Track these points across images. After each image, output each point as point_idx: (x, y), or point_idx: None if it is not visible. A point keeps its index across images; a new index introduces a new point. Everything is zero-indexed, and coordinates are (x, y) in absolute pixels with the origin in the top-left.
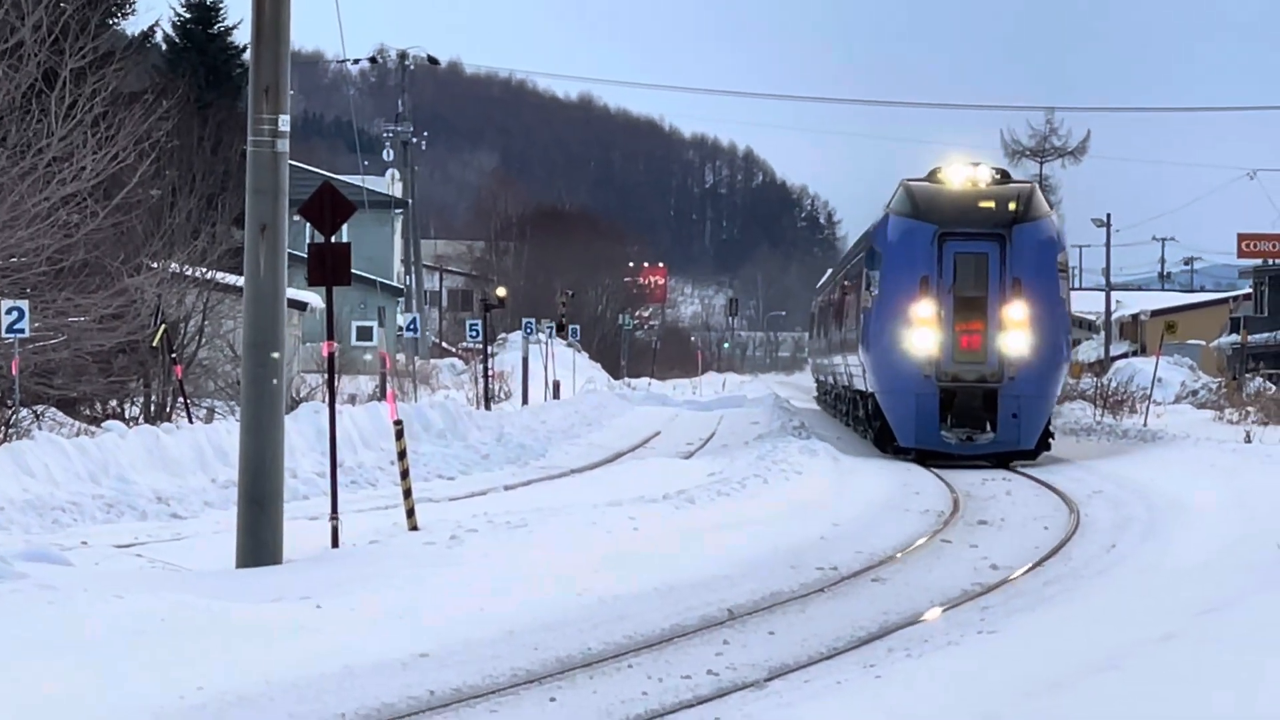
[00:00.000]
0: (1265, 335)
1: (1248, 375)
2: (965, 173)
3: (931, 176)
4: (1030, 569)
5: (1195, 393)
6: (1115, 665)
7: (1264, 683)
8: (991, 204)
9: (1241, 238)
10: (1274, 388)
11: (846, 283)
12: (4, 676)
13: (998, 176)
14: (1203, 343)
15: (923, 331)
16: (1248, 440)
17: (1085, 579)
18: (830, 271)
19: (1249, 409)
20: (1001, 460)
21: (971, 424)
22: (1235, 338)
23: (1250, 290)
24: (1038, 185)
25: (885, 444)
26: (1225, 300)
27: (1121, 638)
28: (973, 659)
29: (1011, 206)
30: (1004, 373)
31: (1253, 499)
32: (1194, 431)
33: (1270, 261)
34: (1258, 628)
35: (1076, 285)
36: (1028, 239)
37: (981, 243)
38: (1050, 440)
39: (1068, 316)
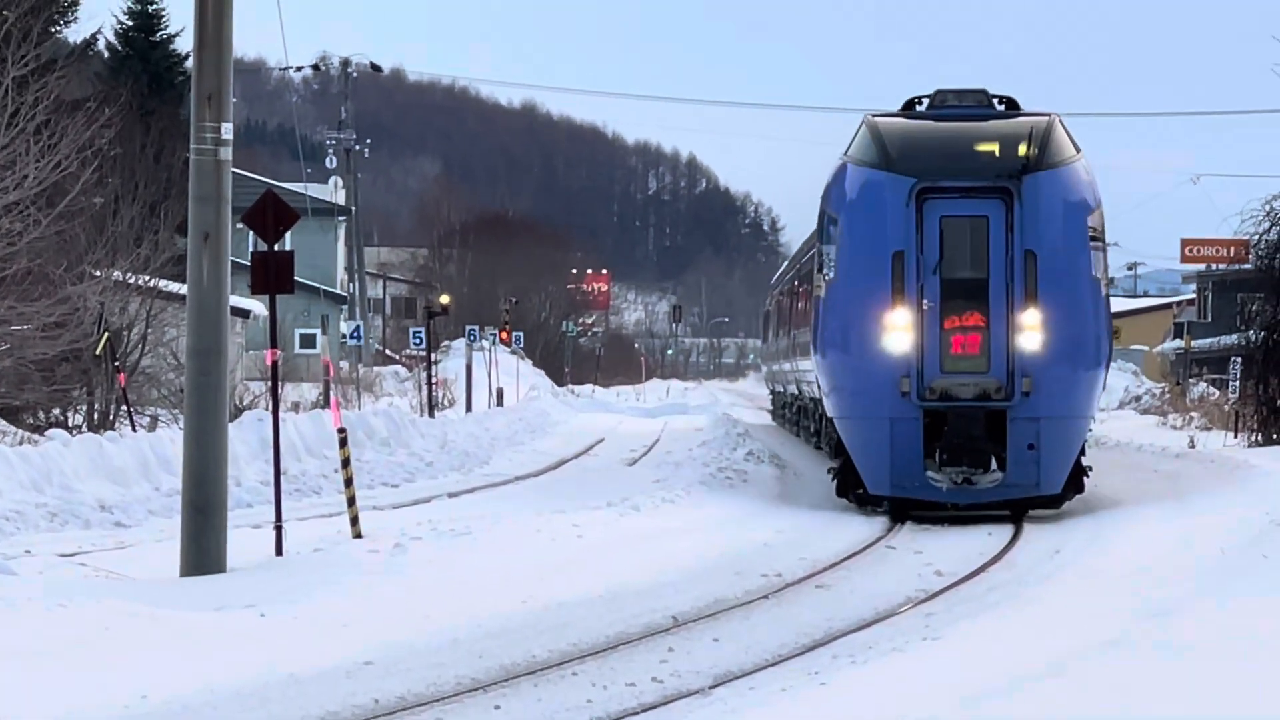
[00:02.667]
0: (1209, 340)
1: (1191, 381)
2: (955, 102)
3: (908, 109)
4: (974, 574)
5: (1139, 398)
6: (1059, 672)
7: (1208, 687)
8: (994, 146)
9: (1185, 243)
10: (1217, 393)
11: (807, 270)
12: None
13: (1002, 107)
14: (1146, 348)
15: (898, 330)
16: (1191, 446)
17: (1029, 584)
18: (788, 261)
19: (1192, 415)
20: (1016, 510)
21: (970, 460)
22: (1179, 343)
23: (1194, 295)
24: (1060, 118)
25: (849, 489)
26: (1169, 305)
27: (1066, 644)
28: (917, 666)
29: (1022, 150)
30: (1014, 386)
31: (1196, 504)
32: (1137, 437)
33: (1214, 266)
34: (1202, 632)
35: None
36: (1045, 195)
37: (980, 201)
38: (1085, 478)
39: (1105, 302)
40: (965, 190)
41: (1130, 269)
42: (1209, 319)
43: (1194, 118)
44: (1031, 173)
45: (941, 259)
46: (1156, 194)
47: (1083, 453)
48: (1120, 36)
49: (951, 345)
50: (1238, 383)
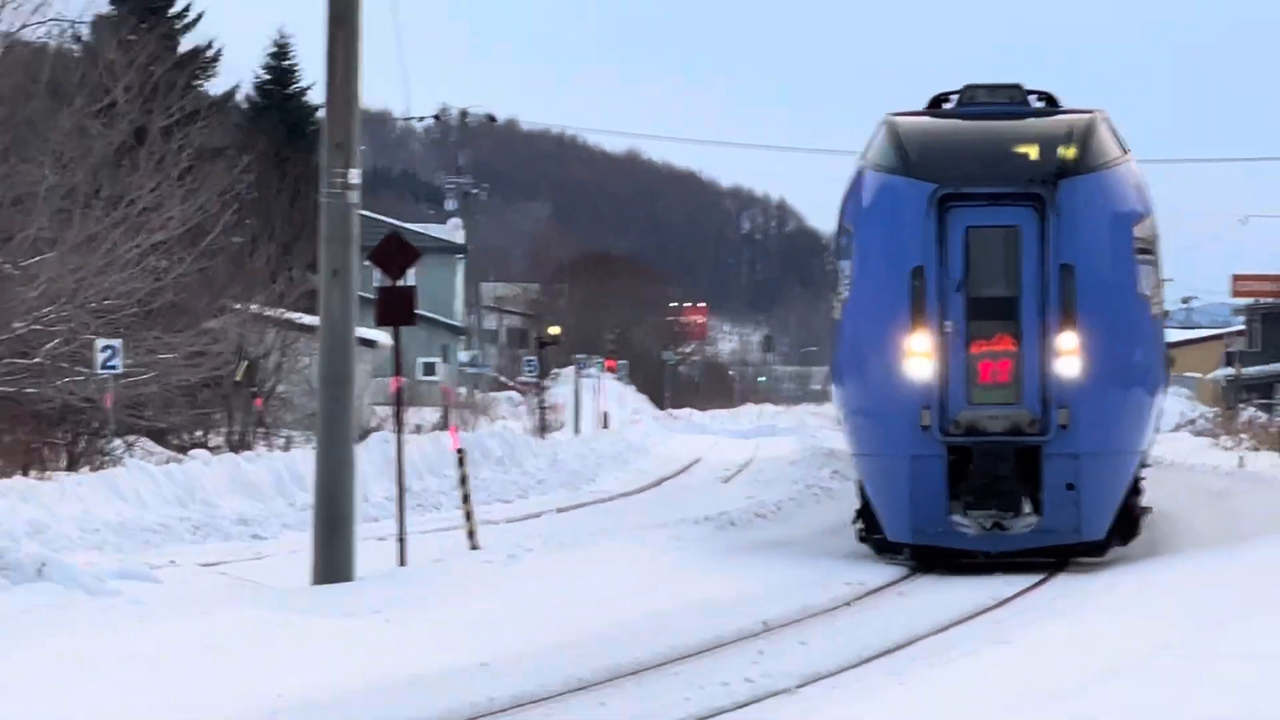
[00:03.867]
0: (1258, 368)
1: (1241, 405)
2: (986, 99)
3: (934, 107)
4: (1040, 583)
5: (1193, 422)
6: (1120, 673)
7: (1257, 689)
8: (1027, 147)
9: (1235, 278)
10: (1265, 417)
11: None
12: (99, 687)
13: (1040, 104)
14: (1199, 375)
15: (917, 356)
16: (1241, 465)
17: (1091, 594)
18: None
19: (1242, 436)
20: (1056, 557)
21: (1000, 502)
22: (1229, 371)
23: (1244, 327)
24: (1106, 116)
25: (870, 534)
26: (1220, 336)
27: (1125, 648)
28: (990, 667)
29: (1061, 151)
30: (1050, 418)
31: (1246, 520)
32: (1191, 458)
33: (1261, 300)
34: (1251, 640)
35: None
36: (1085, 201)
37: (1010, 209)
38: (1139, 519)
39: (1156, 323)
40: (993, 197)
41: (1185, 303)
42: (1258, 348)
43: (1244, 162)
44: (1069, 176)
45: (967, 275)
46: (1209, 235)
47: (1138, 492)
48: (1173, 85)
49: (979, 372)
50: None
